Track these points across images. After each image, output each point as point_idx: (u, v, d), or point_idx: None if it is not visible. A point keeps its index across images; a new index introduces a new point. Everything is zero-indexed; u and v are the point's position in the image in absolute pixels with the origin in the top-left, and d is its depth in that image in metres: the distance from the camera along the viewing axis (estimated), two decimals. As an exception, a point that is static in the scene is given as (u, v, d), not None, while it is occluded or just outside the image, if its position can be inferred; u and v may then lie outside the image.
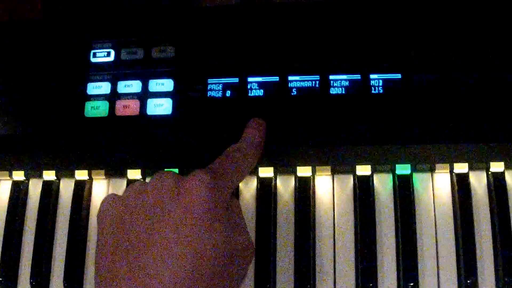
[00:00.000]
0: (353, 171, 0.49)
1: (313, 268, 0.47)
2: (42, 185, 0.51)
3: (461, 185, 0.49)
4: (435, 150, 0.48)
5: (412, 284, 0.46)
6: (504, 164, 0.49)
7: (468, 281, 0.46)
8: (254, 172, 0.49)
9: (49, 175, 0.51)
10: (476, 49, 0.50)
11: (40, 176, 0.51)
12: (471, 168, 0.49)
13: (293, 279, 0.47)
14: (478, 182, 0.49)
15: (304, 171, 0.49)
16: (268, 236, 0.47)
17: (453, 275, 0.47)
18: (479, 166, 0.49)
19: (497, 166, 0.49)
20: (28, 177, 0.52)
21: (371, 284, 0.46)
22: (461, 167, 0.49)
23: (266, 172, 0.49)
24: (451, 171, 0.49)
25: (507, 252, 0.47)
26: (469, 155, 0.48)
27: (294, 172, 0.49)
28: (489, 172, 0.49)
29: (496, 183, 0.49)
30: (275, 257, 0.47)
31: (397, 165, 0.49)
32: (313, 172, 0.49)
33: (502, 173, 0.49)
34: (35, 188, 0.52)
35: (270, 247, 0.47)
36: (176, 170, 0.49)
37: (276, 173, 0.49)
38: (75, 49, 0.51)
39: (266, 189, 0.49)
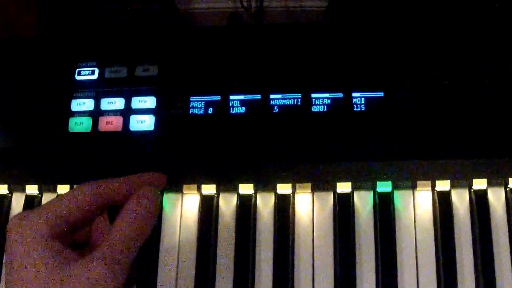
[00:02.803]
0: (333, 189, 0.49)
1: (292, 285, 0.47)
2: (25, 199, 0.51)
3: (442, 203, 0.49)
4: (416, 167, 0.48)
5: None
6: (487, 181, 0.49)
7: (449, 301, 0.46)
8: (234, 189, 0.49)
9: (32, 189, 0.51)
10: (456, 65, 0.50)
11: (23, 190, 0.52)
12: (453, 185, 0.49)
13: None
14: (460, 200, 0.49)
15: (284, 188, 0.49)
16: (247, 253, 0.47)
17: (434, 294, 0.47)
18: (461, 183, 0.49)
19: (479, 183, 0.49)
20: (11, 191, 0.52)
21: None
22: (443, 185, 0.49)
23: (246, 189, 0.49)
24: (433, 189, 0.49)
25: (487, 270, 0.47)
26: (451, 172, 0.48)
27: (274, 189, 0.49)
28: (472, 190, 0.49)
29: (478, 200, 0.49)
30: (254, 273, 0.47)
31: (378, 182, 0.49)
32: (293, 189, 0.49)
33: (485, 191, 0.49)
34: (17, 202, 0.52)
35: (249, 265, 0.47)
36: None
37: (256, 190, 0.49)
38: (61, 67, 0.52)
39: (246, 206, 0.49)
